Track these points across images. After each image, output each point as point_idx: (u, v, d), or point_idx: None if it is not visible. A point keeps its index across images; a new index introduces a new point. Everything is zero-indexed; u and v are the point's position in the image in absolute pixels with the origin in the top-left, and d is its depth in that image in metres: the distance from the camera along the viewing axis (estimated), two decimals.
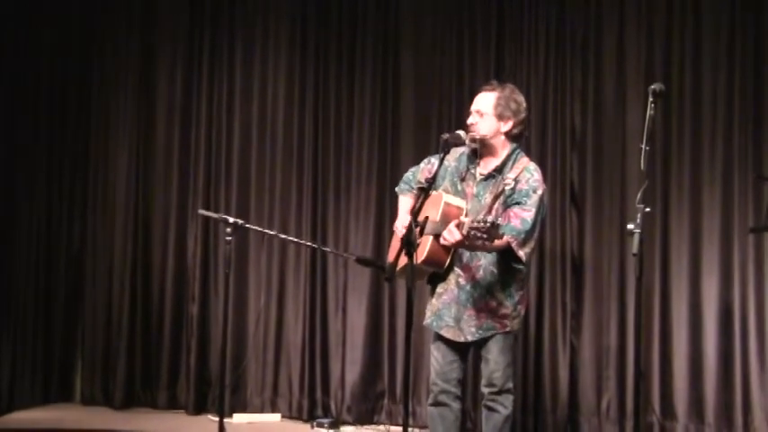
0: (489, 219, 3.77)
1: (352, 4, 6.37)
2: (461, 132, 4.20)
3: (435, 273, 4.31)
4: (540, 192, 4.20)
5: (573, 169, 5.84)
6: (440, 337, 4.36)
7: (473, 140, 4.27)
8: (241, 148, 6.51)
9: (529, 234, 4.13)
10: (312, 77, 6.40)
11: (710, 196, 5.54)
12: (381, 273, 5.25)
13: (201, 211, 5.42)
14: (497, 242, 3.97)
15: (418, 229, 4.18)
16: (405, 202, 4.58)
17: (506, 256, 4.18)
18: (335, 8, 6.39)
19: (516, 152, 4.32)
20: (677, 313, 5.56)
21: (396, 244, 4.50)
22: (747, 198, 5.46)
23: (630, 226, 3.67)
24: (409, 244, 3.84)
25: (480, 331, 4.26)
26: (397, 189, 4.70)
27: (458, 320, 4.28)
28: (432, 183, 4.10)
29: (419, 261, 4.06)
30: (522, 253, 4.14)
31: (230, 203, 6.44)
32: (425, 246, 4.17)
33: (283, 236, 5.05)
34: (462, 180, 4.34)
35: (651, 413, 5.52)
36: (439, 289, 4.33)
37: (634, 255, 3.67)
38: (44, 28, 6.54)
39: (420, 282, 4.42)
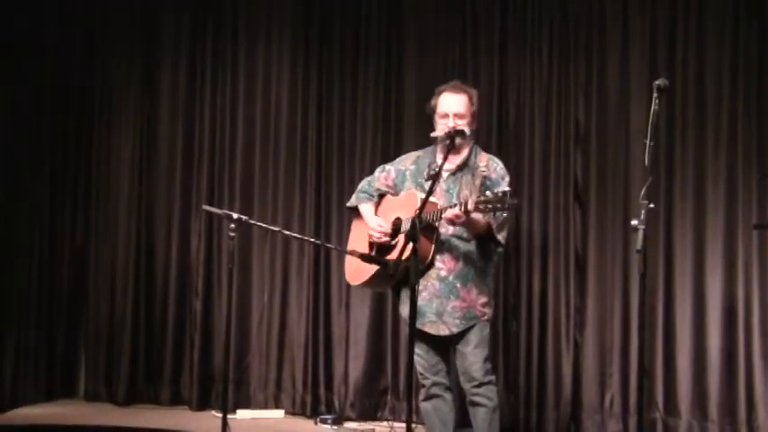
0: (497, 190, 3.92)
1: (355, 3, 6.37)
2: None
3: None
4: (507, 178, 4.42)
5: (577, 165, 5.84)
6: (419, 334, 4.37)
7: (452, 137, 4.31)
8: (245, 144, 6.51)
9: (505, 218, 4.29)
10: (315, 75, 6.40)
11: (714, 192, 5.53)
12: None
13: (205, 207, 5.42)
14: (482, 222, 4.17)
15: (391, 229, 4.44)
16: (368, 209, 4.64)
17: (484, 243, 4.32)
18: (339, 7, 6.39)
19: (475, 146, 4.47)
20: (681, 310, 5.55)
21: (359, 241, 4.52)
22: (751, 194, 5.45)
23: (634, 222, 3.66)
24: (413, 239, 3.86)
25: (464, 321, 4.32)
26: (352, 203, 4.74)
27: (440, 314, 4.32)
28: (436, 179, 4.10)
29: (404, 258, 4.10)
30: (500, 236, 4.30)
31: (234, 200, 6.45)
32: (402, 242, 4.21)
33: (287, 232, 5.06)
34: (427, 180, 4.42)
35: (654, 410, 5.52)
36: (418, 286, 4.32)
37: (638, 251, 3.66)
38: (47, 24, 6.55)
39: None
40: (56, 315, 6.60)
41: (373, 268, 4.39)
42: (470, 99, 4.43)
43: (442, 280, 4.33)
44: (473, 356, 4.32)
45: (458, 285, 4.32)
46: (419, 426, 5.47)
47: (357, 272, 4.57)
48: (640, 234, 3.64)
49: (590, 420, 5.69)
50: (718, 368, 5.44)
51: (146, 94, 6.67)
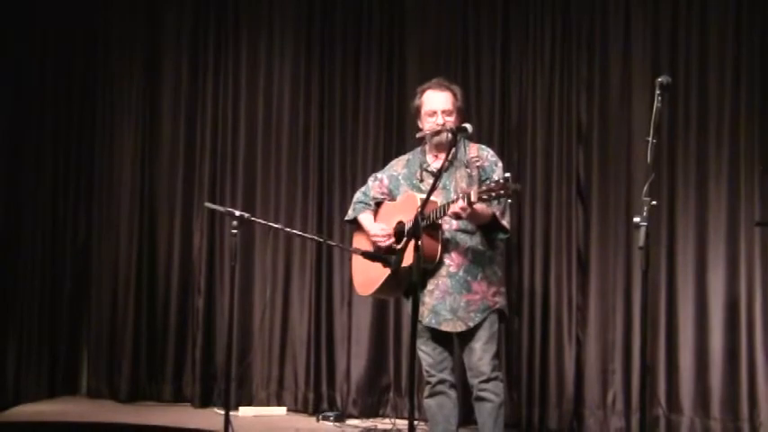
0: (495, 177, 3.90)
1: None
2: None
3: (424, 270, 4.29)
4: (500, 163, 4.40)
5: (579, 162, 5.84)
6: (425, 332, 4.37)
7: (437, 140, 4.32)
8: (247, 141, 6.51)
9: (506, 203, 4.25)
10: (317, 71, 6.40)
11: (717, 189, 5.53)
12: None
13: (207, 204, 5.42)
14: (487, 212, 4.16)
15: (395, 233, 4.42)
16: (367, 217, 4.61)
17: (488, 233, 4.31)
18: (340, 2, 6.40)
19: (462, 139, 4.40)
20: (683, 307, 5.55)
21: (362, 263, 4.45)
22: (754, 191, 5.45)
23: (637, 219, 3.66)
24: (416, 236, 3.85)
25: (479, 314, 4.30)
26: (350, 215, 4.69)
27: (455, 311, 4.30)
28: (439, 177, 4.09)
29: (412, 261, 4.10)
30: (505, 222, 4.29)
31: (236, 197, 6.45)
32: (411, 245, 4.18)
33: (289, 229, 5.05)
34: (421, 181, 4.43)
35: (657, 407, 5.52)
36: (429, 286, 4.34)
37: (640, 248, 3.65)
38: (49, 23, 6.55)
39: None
40: (58, 313, 6.60)
41: (383, 275, 4.36)
42: (455, 95, 4.41)
43: (451, 276, 4.31)
44: (482, 351, 4.30)
45: (468, 279, 4.30)
46: (421, 423, 5.48)
47: (367, 282, 4.54)
48: (642, 231, 3.63)
49: (592, 417, 5.69)
50: (721, 365, 5.44)
51: (147, 91, 6.67)
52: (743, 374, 5.39)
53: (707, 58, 5.60)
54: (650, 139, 3.73)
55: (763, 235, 5.40)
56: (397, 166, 4.62)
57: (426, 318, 4.35)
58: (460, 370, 4.53)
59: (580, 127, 5.84)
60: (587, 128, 5.83)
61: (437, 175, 4.06)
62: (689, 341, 5.52)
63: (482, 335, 4.31)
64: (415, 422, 3.96)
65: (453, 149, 4.30)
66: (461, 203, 4.01)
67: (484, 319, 4.32)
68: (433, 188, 4.00)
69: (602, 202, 5.78)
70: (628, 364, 5.64)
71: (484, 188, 3.89)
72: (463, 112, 4.47)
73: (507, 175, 3.89)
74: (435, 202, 4.22)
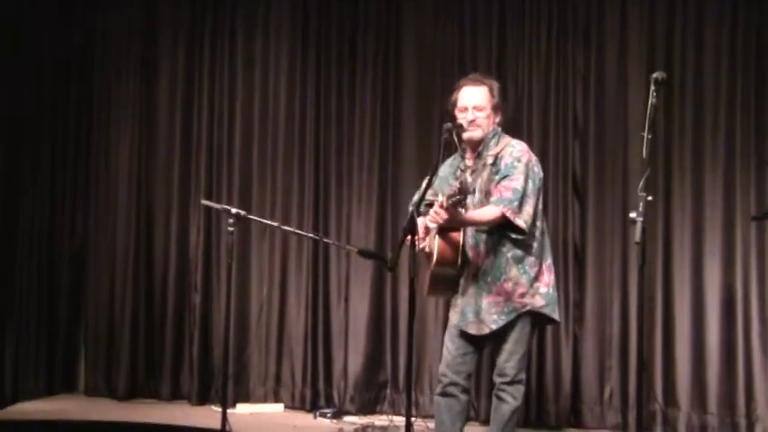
0: (455, 183, 3.76)
1: None
2: (464, 122, 4.19)
3: (458, 274, 4.26)
4: (524, 159, 4.19)
5: (575, 158, 5.84)
6: (455, 328, 4.32)
7: (467, 136, 4.24)
8: (243, 138, 6.50)
9: (522, 201, 4.12)
10: (314, 67, 6.39)
11: (712, 184, 5.54)
12: (384, 264, 5.24)
13: (204, 202, 5.42)
14: (493, 216, 4.06)
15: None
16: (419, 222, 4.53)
17: (508, 230, 4.16)
18: None
19: (497, 132, 4.31)
20: (680, 302, 5.56)
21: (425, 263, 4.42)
22: (749, 185, 5.46)
23: (633, 215, 3.66)
24: (412, 232, 3.84)
25: (503, 317, 4.19)
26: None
27: (477, 313, 4.22)
28: (432, 177, 4.04)
29: (433, 265, 4.11)
30: (520, 221, 4.11)
31: (232, 194, 6.44)
32: (433, 248, 4.17)
33: (285, 227, 5.03)
34: (456, 179, 4.29)
35: (654, 402, 5.53)
36: (460, 288, 4.30)
37: (636, 243, 3.66)
38: (46, 19, 6.53)
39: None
40: (56, 311, 6.59)
41: (428, 276, 4.28)
42: (491, 91, 4.28)
43: (474, 277, 4.22)
44: (509, 354, 4.22)
45: (489, 280, 4.19)
46: (419, 419, 5.48)
47: (422, 282, 4.42)
48: (639, 226, 3.63)
49: (590, 413, 5.70)
50: (717, 360, 5.46)
51: (144, 88, 6.65)
52: (739, 369, 5.40)
53: (703, 52, 5.61)
54: (645, 134, 3.73)
55: (759, 228, 5.41)
56: (446, 165, 4.47)
57: (455, 318, 4.31)
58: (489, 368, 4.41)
59: (576, 121, 5.84)
60: (583, 122, 5.83)
61: (431, 175, 4.01)
62: (685, 336, 5.53)
63: (512, 337, 4.21)
64: (413, 418, 3.95)
65: (482, 147, 4.25)
66: (442, 213, 3.93)
67: (513, 321, 4.20)
68: (428, 186, 3.97)
69: (599, 197, 5.79)
70: (624, 359, 5.64)
71: (449, 192, 3.80)
72: (501, 108, 4.34)
73: (462, 180, 3.78)
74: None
